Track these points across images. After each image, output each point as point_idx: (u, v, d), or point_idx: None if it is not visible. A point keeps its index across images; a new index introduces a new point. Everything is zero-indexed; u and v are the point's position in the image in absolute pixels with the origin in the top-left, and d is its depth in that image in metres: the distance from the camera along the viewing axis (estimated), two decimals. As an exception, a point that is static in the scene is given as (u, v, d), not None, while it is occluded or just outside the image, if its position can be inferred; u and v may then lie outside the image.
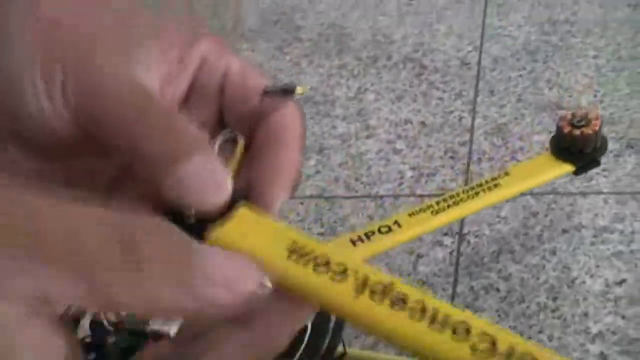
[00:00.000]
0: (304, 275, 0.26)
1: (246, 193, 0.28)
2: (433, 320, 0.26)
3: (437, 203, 0.67)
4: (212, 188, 0.28)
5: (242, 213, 0.27)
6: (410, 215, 0.66)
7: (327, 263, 0.27)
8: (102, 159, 0.32)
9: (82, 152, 0.32)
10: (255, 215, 0.28)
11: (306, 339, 0.58)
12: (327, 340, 0.57)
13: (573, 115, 0.70)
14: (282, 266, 0.27)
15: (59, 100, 0.29)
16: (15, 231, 0.23)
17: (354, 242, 0.64)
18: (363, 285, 0.27)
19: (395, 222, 0.65)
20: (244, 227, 0.27)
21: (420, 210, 0.66)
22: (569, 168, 0.70)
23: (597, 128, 0.69)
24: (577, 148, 0.70)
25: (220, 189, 0.28)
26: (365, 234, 0.65)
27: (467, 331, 0.26)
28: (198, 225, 0.27)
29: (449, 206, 0.66)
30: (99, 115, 0.29)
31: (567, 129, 0.69)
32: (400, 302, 0.26)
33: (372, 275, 0.27)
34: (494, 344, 0.26)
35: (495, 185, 0.68)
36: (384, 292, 0.27)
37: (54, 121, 0.30)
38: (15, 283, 0.22)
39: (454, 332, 0.26)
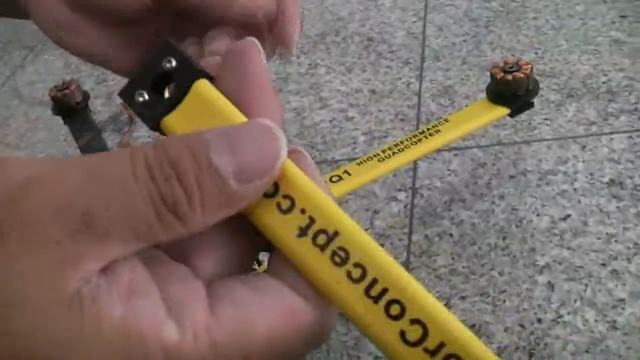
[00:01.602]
0: None
1: (209, 74, 0.30)
2: (369, 288, 0.26)
3: (383, 151, 0.71)
4: None
5: (199, 90, 0.30)
6: (359, 164, 0.71)
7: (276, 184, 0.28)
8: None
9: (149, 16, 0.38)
10: (211, 94, 0.29)
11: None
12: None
13: (505, 62, 0.76)
14: None
15: None
16: None
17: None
18: (307, 227, 0.27)
19: (345, 172, 0.70)
20: (197, 109, 0.29)
21: (368, 158, 0.71)
22: (504, 111, 0.75)
23: (528, 72, 0.74)
24: (511, 91, 0.75)
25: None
26: (318, 184, 0.69)
27: (402, 312, 0.26)
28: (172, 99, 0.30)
29: (394, 153, 0.71)
30: None
31: (500, 75, 0.74)
32: (340, 258, 0.27)
33: (320, 219, 0.27)
34: (425, 335, 0.26)
35: (437, 132, 0.73)
36: (327, 242, 0.27)
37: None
38: None
39: (387, 309, 0.26)
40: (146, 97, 0.29)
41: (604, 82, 1.04)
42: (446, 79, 1.12)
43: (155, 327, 0.25)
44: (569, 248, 0.81)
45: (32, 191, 0.25)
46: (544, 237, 0.83)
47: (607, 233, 0.82)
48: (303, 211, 0.27)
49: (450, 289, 0.80)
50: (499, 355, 0.73)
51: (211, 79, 0.30)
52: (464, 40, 1.20)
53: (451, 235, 0.86)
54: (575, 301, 0.76)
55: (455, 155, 0.96)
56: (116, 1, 0.38)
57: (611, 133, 0.95)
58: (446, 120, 0.74)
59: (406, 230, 0.88)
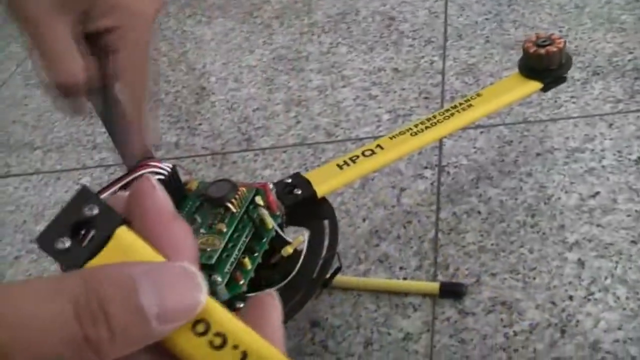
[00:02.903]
0: None
1: (127, 219, 0.30)
2: None
3: (416, 125, 0.71)
4: None
5: (121, 237, 0.30)
6: (391, 138, 0.70)
7: None
8: None
9: None
10: (132, 240, 0.30)
11: (301, 259, 0.61)
12: (321, 260, 0.61)
13: (537, 36, 0.75)
14: None
15: None
16: None
17: (340, 167, 0.68)
18: None
19: (378, 146, 0.69)
20: (119, 254, 0.29)
21: (401, 132, 0.70)
22: (537, 85, 0.74)
23: (561, 46, 0.73)
24: (544, 66, 0.74)
25: None
26: (351, 158, 0.69)
27: None
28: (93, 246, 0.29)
29: (427, 127, 0.70)
30: None
31: (532, 49, 0.74)
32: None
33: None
34: None
35: (469, 106, 0.72)
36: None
37: None
38: None
39: None
40: (67, 244, 0.29)
41: (629, 60, 1.03)
42: (470, 57, 1.11)
43: None
44: (598, 225, 0.81)
45: None
46: (573, 214, 0.82)
47: (636, 210, 0.81)
48: (235, 347, 0.28)
49: (480, 266, 0.80)
50: (530, 332, 0.72)
51: (130, 224, 0.30)
52: (487, 19, 1.19)
53: (479, 212, 0.85)
54: (605, 278, 0.75)
55: (481, 132, 0.96)
56: None
57: (638, 111, 0.94)
58: (478, 95, 0.73)
59: (434, 207, 0.88)
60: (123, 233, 0.29)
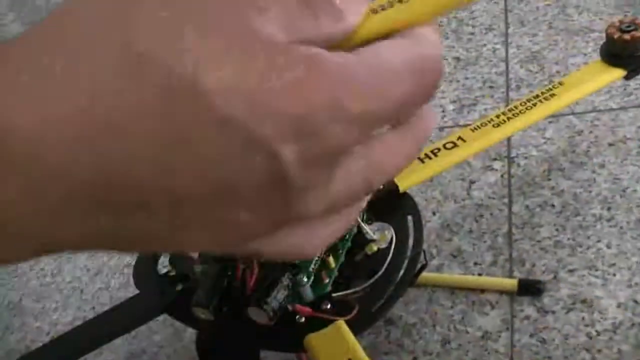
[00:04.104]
0: None
1: None
2: None
3: (497, 116, 0.68)
4: None
5: None
6: (473, 130, 0.68)
7: None
8: None
9: None
10: None
11: (389, 258, 0.59)
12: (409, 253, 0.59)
13: (621, 22, 0.72)
14: None
15: None
16: None
17: (422, 160, 0.66)
18: None
19: (459, 138, 0.67)
20: None
21: (482, 124, 0.68)
22: (620, 73, 0.71)
23: (645, 31, 0.70)
24: (628, 52, 0.71)
25: None
26: (432, 151, 0.66)
27: None
28: None
29: (509, 118, 0.68)
30: None
31: (616, 35, 0.71)
32: None
33: None
34: None
35: (552, 95, 0.69)
36: None
37: None
38: None
39: None
40: None
41: (701, 46, 0.99)
42: (533, 45, 1.08)
43: None
44: (679, 218, 0.78)
45: None
46: (651, 207, 0.80)
47: None
48: None
49: (556, 262, 0.77)
50: (614, 332, 0.70)
51: None
52: (548, 5, 1.16)
53: (553, 205, 0.83)
54: (689, 274, 0.73)
55: (550, 122, 0.93)
56: None
57: None
58: (560, 84, 0.70)
59: (506, 200, 0.85)
60: None
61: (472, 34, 1.15)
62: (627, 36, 0.70)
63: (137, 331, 0.81)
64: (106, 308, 0.82)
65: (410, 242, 0.59)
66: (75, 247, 0.24)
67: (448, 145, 0.66)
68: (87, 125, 0.21)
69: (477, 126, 0.68)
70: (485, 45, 1.12)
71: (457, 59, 1.10)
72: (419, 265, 0.59)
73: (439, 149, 0.66)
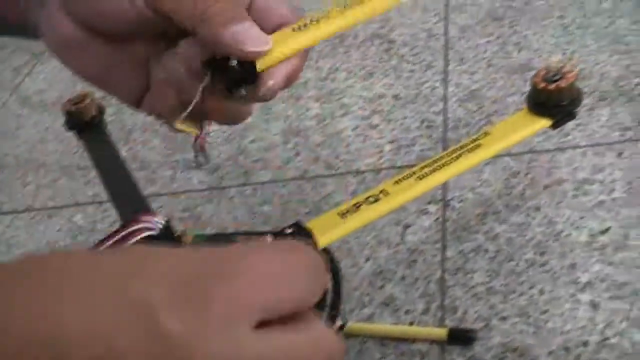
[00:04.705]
0: None
1: None
2: None
3: (421, 169, 0.67)
4: (259, 41, 0.42)
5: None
6: (396, 182, 0.67)
7: None
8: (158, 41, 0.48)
9: (144, 32, 0.46)
10: None
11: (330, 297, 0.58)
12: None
13: (547, 70, 0.71)
14: None
15: None
16: None
17: (343, 215, 0.64)
18: None
19: (382, 191, 0.66)
20: None
21: (406, 177, 0.67)
22: (546, 122, 0.70)
23: (572, 80, 0.70)
24: (554, 102, 0.70)
25: (265, 42, 0.42)
26: (354, 205, 0.65)
27: None
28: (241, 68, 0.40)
29: (433, 170, 0.67)
30: None
31: (542, 85, 0.70)
32: None
33: None
34: None
35: (477, 146, 0.68)
36: None
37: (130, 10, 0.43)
38: None
39: None
40: None
41: (636, 84, 1.00)
42: (472, 83, 1.08)
43: None
44: (611, 263, 0.78)
45: None
46: (584, 251, 0.79)
47: (650, 247, 0.78)
48: None
49: (489, 309, 0.76)
50: (544, 380, 0.69)
51: None
52: (488, 42, 1.16)
53: (487, 250, 0.82)
54: (621, 322, 0.72)
55: (487, 164, 0.93)
56: (110, 16, 0.45)
57: (648, 139, 0.91)
58: (486, 134, 0.69)
59: (439, 245, 0.84)
60: None
61: (412, 71, 1.15)
62: (551, 86, 0.69)
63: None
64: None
65: (328, 302, 0.58)
66: None
67: (370, 199, 0.65)
68: None
69: (401, 178, 0.67)
70: (424, 83, 1.11)
71: (396, 96, 1.10)
72: (337, 325, 0.58)
73: (360, 203, 0.65)
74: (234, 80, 0.43)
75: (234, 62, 0.42)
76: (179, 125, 0.51)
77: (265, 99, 0.45)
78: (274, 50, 0.44)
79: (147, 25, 0.45)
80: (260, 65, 0.44)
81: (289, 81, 0.46)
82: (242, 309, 0.30)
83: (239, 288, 0.30)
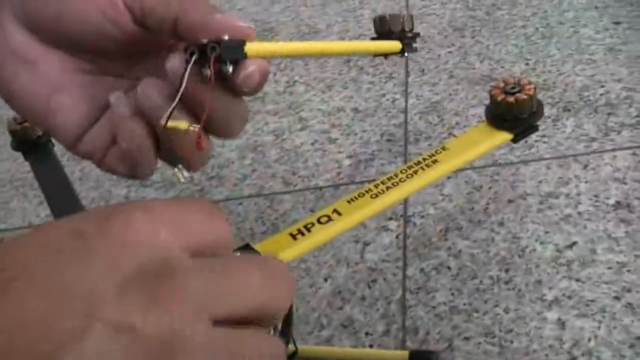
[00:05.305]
0: None
1: None
2: None
3: (376, 186, 0.64)
4: (240, 27, 0.42)
5: None
6: (349, 201, 0.64)
7: None
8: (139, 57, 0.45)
9: (125, 50, 0.43)
10: None
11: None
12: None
13: (505, 82, 0.69)
14: None
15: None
16: None
17: (294, 236, 0.61)
18: None
19: (335, 211, 0.63)
20: None
21: (359, 195, 0.64)
22: (507, 136, 0.68)
23: (531, 92, 0.67)
24: (513, 115, 0.68)
25: (248, 28, 0.42)
26: (305, 226, 0.62)
27: None
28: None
29: (388, 188, 0.64)
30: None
31: (500, 97, 0.67)
32: None
33: None
34: None
35: (434, 162, 0.65)
36: None
37: (113, 24, 0.41)
38: None
39: None
40: None
41: (601, 94, 0.98)
42: (433, 94, 1.05)
43: None
44: (577, 280, 0.75)
45: None
46: (549, 267, 0.77)
47: (617, 262, 0.76)
48: None
49: (452, 329, 0.73)
50: (509, 404, 0.66)
51: None
52: (450, 52, 1.14)
53: (449, 268, 0.79)
54: (589, 340, 0.69)
55: (449, 178, 0.90)
56: (75, 21, 0.41)
57: (614, 150, 0.88)
58: (443, 149, 0.67)
59: (400, 263, 0.81)
60: None
61: (372, 82, 1.12)
62: (511, 98, 0.66)
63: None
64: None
65: (278, 329, 0.55)
66: None
67: (322, 220, 0.62)
68: None
69: (354, 197, 0.64)
70: (384, 95, 1.09)
71: (356, 110, 1.07)
72: (287, 354, 0.55)
73: (312, 224, 0.62)
74: (224, 52, 0.42)
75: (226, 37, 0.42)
76: (169, 123, 0.46)
77: (242, 88, 0.42)
78: (252, 46, 0.44)
79: (117, 35, 0.42)
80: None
81: (262, 78, 0.43)
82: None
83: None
